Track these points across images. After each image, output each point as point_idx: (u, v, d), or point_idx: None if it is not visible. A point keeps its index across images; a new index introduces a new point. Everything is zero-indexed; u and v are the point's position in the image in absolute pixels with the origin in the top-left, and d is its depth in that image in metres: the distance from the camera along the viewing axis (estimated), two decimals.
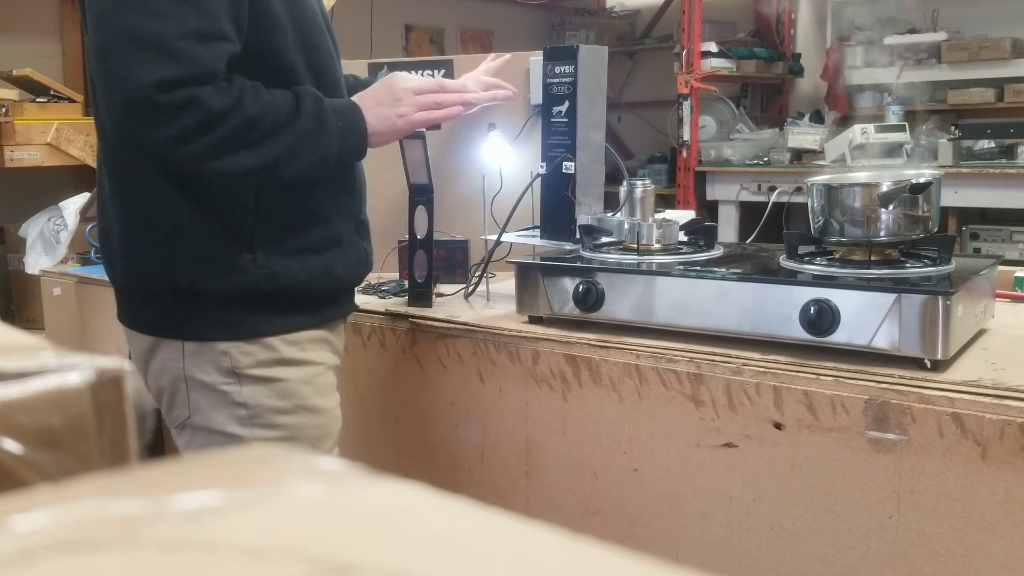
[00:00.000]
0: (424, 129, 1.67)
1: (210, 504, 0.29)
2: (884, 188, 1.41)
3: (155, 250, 1.31)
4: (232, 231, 1.29)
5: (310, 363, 1.37)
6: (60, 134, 3.56)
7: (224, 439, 1.31)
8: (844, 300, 1.29)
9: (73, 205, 2.71)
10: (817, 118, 4.89)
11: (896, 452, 1.22)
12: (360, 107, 1.35)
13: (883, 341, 1.26)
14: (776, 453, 1.31)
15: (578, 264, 1.53)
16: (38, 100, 3.64)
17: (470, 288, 1.81)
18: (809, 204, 1.49)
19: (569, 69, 1.64)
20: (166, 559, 0.26)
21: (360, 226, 1.45)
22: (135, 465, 0.39)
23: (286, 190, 1.31)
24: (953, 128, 4.38)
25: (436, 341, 1.66)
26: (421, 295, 1.74)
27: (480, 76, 1.90)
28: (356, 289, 1.54)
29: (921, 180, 1.40)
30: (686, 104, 4.77)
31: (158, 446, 1.86)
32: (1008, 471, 1.14)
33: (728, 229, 4.65)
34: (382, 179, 1.99)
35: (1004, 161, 4.16)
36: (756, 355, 1.34)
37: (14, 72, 3.62)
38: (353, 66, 1.79)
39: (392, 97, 1.39)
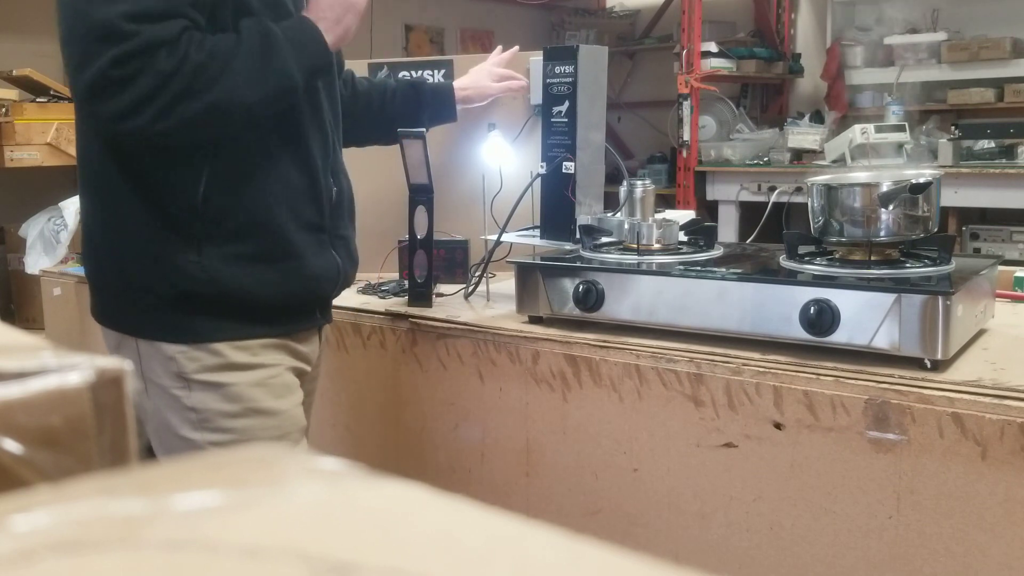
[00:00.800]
0: (425, 129, 1.67)
1: (210, 504, 0.29)
2: (884, 188, 1.41)
3: (110, 244, 1.34)
4: (179, 231, 1.29)
5: (262, 366, 1.36)
6: (60, 134, 3.56)
7: (179, 442, 1.33)
8: (844, 300, 1.29)
9: (73, 205, 2.71)
10: (817, 118, 4.89)
11: (896, 452, 1.22)
12: (307, 17, 1.32)
13: (883, 341, 1.26)
14: (776, 453, 1.31)
15: (578, 264, 1.53)
16: (38, 100, 3.64)
17: (470, 288, 1.81)
18: (809, 204, 1.49)
19: (569, 69, 1.64)
20: (166, 559, 0.26)
21: (337, 240, 1.42)
22: (135, 465, 0.39)
23: (235, 194, 1.30)
24: (953, 128, 4.38)
25: (436, 341, 1.66)
26: (421, 295, 1.74)
27: (492, 68, 1.91)
28: (345, 294, 1.54)
29: (921, 180, 1.40)
30: (686, 104, 4.77)
31: None
32: (1008, 471, 1.14)
33: (728, 229, 4.64)
34: (382, 179, 1.99)
35: (1004, 161, 4.16)
36: (756, 355, 1.34)
37: (14, 72, 3.62)
38: (353, 66, 1.79)
39: None
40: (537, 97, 1.88)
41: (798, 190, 4.26)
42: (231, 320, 1.33)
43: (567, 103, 1.65)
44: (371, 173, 2.07)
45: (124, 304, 1.34)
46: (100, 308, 1.40)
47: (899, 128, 4.33)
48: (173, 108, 1.19)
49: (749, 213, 4.65)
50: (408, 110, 1.76)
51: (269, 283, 1.33)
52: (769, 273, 1.46)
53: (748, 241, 3.81)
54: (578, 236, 1.64)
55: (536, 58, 1.89)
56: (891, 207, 1.40)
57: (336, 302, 1.82)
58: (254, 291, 1.32)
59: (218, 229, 1.29)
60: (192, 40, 1.21)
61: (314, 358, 1.48)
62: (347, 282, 1.49)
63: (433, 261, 1.74)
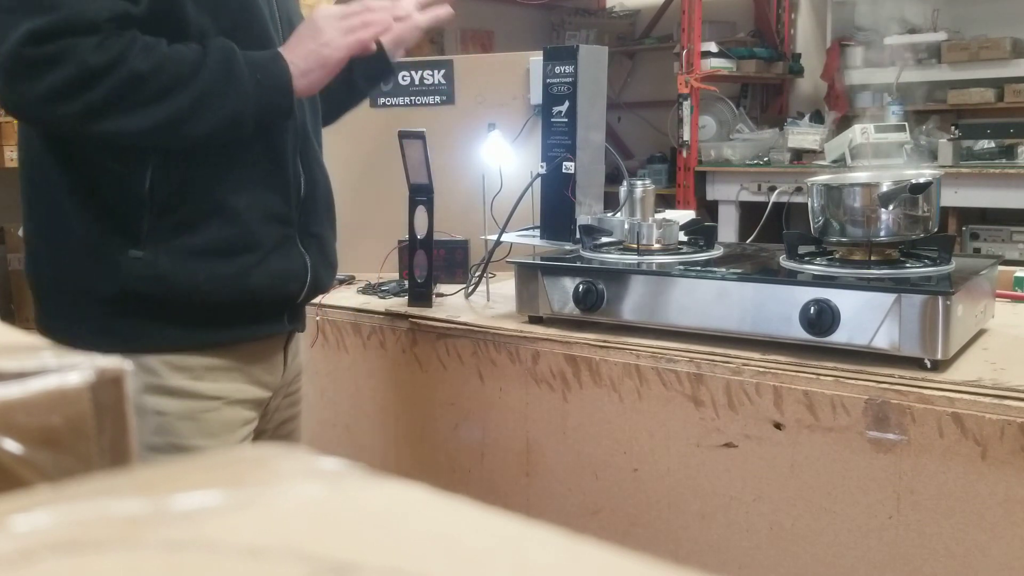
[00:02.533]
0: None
1: (210, 504, 0.29)
2: (884, 188, 1.41)
3: (47, 243, 1.22)
4: (120, 223, 1.16)
5: (198, 396, 1.21)
6: None
7: None
8: (844, 300, 1.29)
9: None
10: (817, 118, 4.89)
11: (896, 452, 1.22)
12: (283, 56, 1.20)
13: (883, 341, 1.26)
14: (776, 453, 1.31)
15: (578, 264, 1.53)
16: None
17: (470, 288, 1.81)
18: (809, 204, 1.49)
19: (569, 69, 1.64)
20: (166, 559, 0.26)
21: (308, 238, 1.29)
22: (135, 465, 0.39)
23: (188, 181, 1.17)
24: (953, 128, 4.38)
25: (436, 341, 1.66)
26: (421, 295, 1.74)
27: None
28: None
29: (921, 180, 1.40)
30: (686, 104, 4.77)
31: None
32: (1008, 471, 1.14)
33: (728, 229, 4.64)
34: (382, 179, 1.99)
35: (1004, 161, 4.15)
36: (756, 355, 1.34)
37: None
38: None
39: (314, 29, 1.23)
40: (537, 97, 1.88)
41: (798, 190, 4.26)
42: (176, 326, 1.19)
43: (567, 103, 1.65)
44: (371, 173, 2.07)
45: (61, 311, 1.22)
46: (38, 318, 1.26)
47: (899, 128, 4.33)
48: (100, 113, 1.08)
49: (749, 213, 4.65)
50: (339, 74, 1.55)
51: (224, 279, 1.19)
52: (769, 273, 1.46)
53: (748, 241, 3.81)
54: (578, 236, 1.64)
55: (536, 58, 1.89)
56: (891, 207, 1.40)
57: (336, 302, 1.83)
58: (206, 289, 1.18)
59: (167, 220, 1.16)
60: (135, 41, 1.08)
61: (276, 382, 1.33)
62: (319, 286, 1.33)
63: (433, 261, 1.74)
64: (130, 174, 1.15)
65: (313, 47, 1.21)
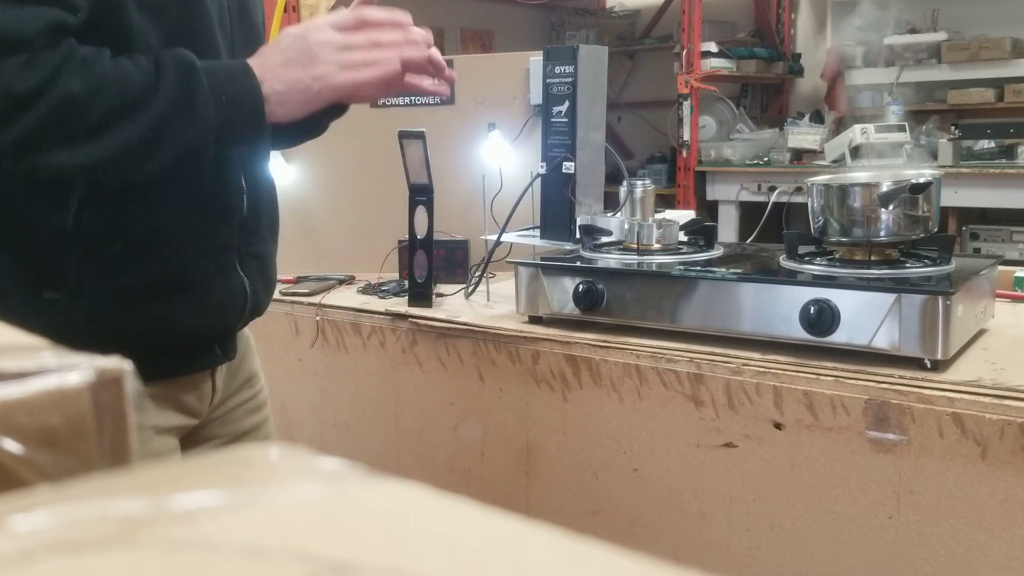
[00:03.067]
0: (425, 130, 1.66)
1: (210, 504, 0.29)
2: (884, 188, 1.41)
3: None
4: (36, 263, 1.01)
5: None
6: None
7: None
8: (844, 300, 1.29)
9: None
10: (817, 118, 4.89)
11: (896, 452, 1.22)
12: (254, 69, 1.01)
13: (883, 341, 1.26)
14: (776, 453, 1.31)
15: (578, 264, 1.53)
16: None
17: (470, 288, 1.81)
18: (809, 204, 1.49)
19: (569, 69, 1.64)
20: (166, 559, 0.26)
21: (248, 260, 1.14)
22: (135, 465, 0.39)
23: (121, 215, 1.02)
24: (953, 128, 4.38)
25: (436, 341, 1.66)
26: (421, 295, 1.74)
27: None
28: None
29: (921, 180, 1.40)
30: (686, 104, 4.77)
31: None
32: (1008, 471, 1.14)
33: (728, 229, 4.64)
34: (382, 179, 2.00)
35: (1004, 161, 4.16)
36: (756, 355, 1.34)
37: None
38: None
39: (306, 53, 1.02)
40: (537, 97, 1.88)
41: (798, 190, 4.26)
42: None
43: (567, 103, 1.65)
44: (371, 173, 2.07)
45: None
46: None
47: (899, 128, 4.33)
48: (32, 146, 0.92)
49: (749, 213, 4.66)
50: None
51: (156, 321, 1.06)
52: (769, 273, 1.46)
53: (748, 241, 3.81)
54: (578, 236, 1.64)
55: (536, 58, 1.89)
56: (891, 207, 1.40)
57: (336, 302, 1.83)
58: (134, 334, 1.04)
59: (94, 259, 1.01)
60: (71, 56, 0.92)
61: (203, 410, 1.18)
62: (257, 310, 1.19)
63: (433, 261, 1.74)
64: (52, 208, 0.99)
65: (301, 76, 1.02)
